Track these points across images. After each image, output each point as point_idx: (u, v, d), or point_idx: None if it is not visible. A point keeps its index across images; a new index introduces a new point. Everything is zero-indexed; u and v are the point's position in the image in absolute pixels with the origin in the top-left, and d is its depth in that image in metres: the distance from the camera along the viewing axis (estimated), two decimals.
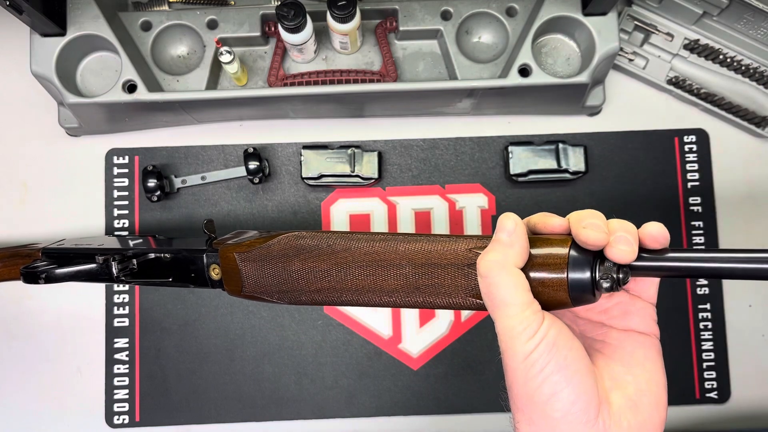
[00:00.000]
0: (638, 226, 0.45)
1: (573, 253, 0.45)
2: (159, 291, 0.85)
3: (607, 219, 0.46)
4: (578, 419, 0.42)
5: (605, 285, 0.44)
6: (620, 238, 0.44)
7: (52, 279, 0.67)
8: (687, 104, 0.89)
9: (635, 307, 0.48)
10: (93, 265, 0.66)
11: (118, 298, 0.85)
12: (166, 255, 0.63)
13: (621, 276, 0.44)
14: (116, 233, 0.87)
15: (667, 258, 0.44)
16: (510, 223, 0.45)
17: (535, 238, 0.47)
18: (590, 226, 0.44)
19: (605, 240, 0.44)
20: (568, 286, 0.45)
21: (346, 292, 0.53)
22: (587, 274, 0.45)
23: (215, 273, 0.60)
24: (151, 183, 0.83)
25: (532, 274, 0.45)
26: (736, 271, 0.43)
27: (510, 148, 0.85)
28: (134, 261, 0.63)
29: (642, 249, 0.45)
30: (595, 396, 0.43)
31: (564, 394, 0.42)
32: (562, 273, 0.45)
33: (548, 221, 0.47)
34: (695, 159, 0.88)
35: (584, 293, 0.45)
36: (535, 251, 0.46)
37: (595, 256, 0.45)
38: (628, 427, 0.43)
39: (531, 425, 0.43)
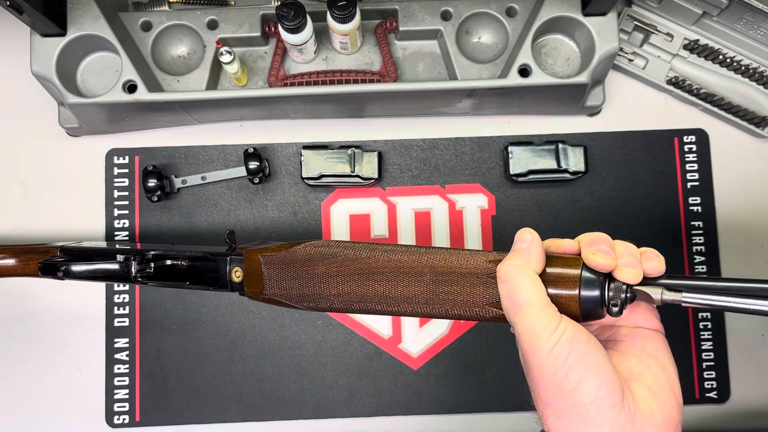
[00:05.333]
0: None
1: (585, 273, 0.49)
2: (159, 291, 0.85)
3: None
4: (607, 403, 0.45)
5: (615, 310, 0.48)
6: (627, 262, 0.48)
7: (70, 274, 0.69)
8: (686, 104, 0.89)
9: (640, 307, 0.52)
10: (112, 264, 0.67)
11: (118, 298, 0.86)
12: (183, 263, 0.64)
13: (629, 295, 0.49)
14: (116, 237, 0.87)
15: (664, 284, 0.49)
16: (528, 235, 0.50)
17: (550, 255, 0.51)
18: (599, 252, 0.49)
19: (613, 265, 0.48)
20: (580, 302, 0.49)
21: (366, 298, 0.55)
22: (597, 293, 0.49)
23: (237, 276, 0.61)
24: (152, 183, 0.83)
25: (548, 289, 0.49)
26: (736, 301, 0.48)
27: (510, 148, 0.85)
28: (152, 265, 0.65)
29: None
30: (617, 382, 0.46)
31: (589, 380, 0.45)
32: (575, 290, 0.49)
33: (560, 244, 0.52)
34: (695, 159, 0.88)
35: (594, 309, 0.49)
36: (550, 270, 0.50)
37: (605, 276, 0.49)
38: (651, 413, 0.46)
39: (561, 417, 0.46)
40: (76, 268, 0.69)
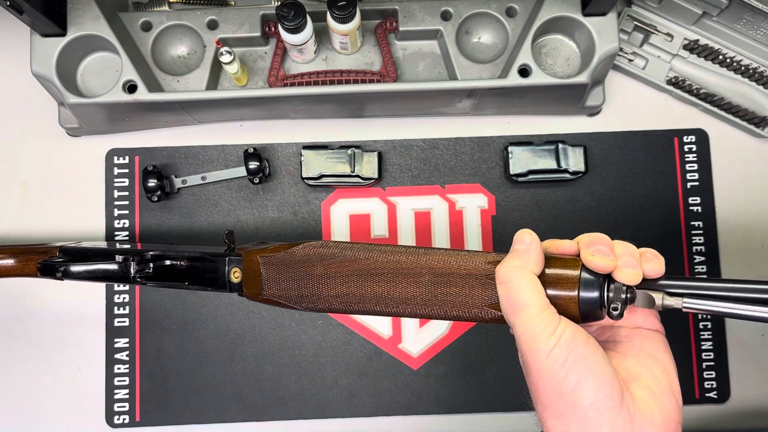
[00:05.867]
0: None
1: (584, 274, 0.49)
2: (159, 291, 0.85)
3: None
4: (605, 405, 0.45)
5: (615, 313, 0.48)
6: (627, 263, 0.48)
7: (69, 275, 0.69)
8: (686, 104, 0.89)
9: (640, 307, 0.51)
10: (111, 265, 0.67)
11: (118, 298, 0.86)
12: (182, 263, 0.64)
13: (629, 296, 0.48)
14: (117, 237, 0.87)
15: (664, 285, 0.49)
16: (526, 236, 0.50)
17: (549, 257, 0.51)
18: (598, 252, 0.49)
19: (612, 266, 0.48)
20: (579, 303, 0.49)
21: (365, 299, 0.55)
22: (596, 294, 0.49)
23: (235, 276, 0.61)
24: (152, 183, 0.83)
25: (547, 291, 0.49)
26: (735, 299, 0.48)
27: (510, 148, 0.85)
28: (150, 265, 0.65)
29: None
30: (616, 384, 0.46)
31: (588, 382, 0.45)
32: (574, 291, 0.49)
33: (559, 245, 0.51)
34: (695, 159, 0.88)
35: (594, 310, 0.49)
36: (549, 271, 0.50)
37: (604, 277, 0.49)
38: (651, 414, 0.46)
39: (560, 419, 0.46)
40: (75, 268, 0.69)
